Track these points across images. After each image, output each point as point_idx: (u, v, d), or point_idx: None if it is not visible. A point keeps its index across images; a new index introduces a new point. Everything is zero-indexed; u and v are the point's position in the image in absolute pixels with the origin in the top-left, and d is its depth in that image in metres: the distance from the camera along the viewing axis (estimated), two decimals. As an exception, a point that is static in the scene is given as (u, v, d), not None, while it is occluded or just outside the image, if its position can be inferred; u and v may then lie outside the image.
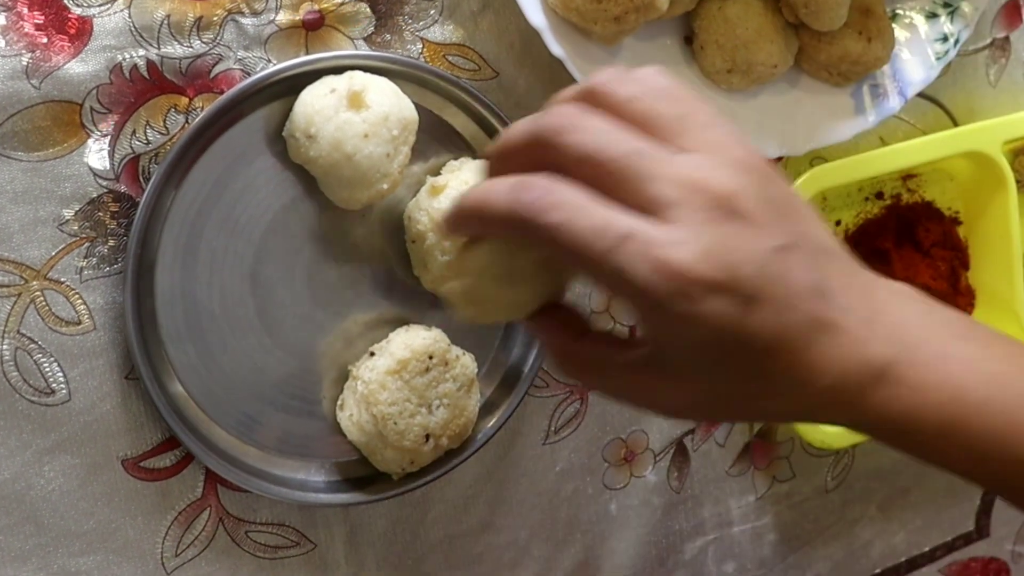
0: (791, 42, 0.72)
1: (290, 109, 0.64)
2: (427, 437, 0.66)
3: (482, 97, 0.67)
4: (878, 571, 0.92)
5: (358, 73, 0.63)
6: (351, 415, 0.66)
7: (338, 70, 0.64)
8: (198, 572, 0.66)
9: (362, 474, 0.69)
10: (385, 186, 0.64)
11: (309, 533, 0.68)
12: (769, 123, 0.73)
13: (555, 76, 0.70)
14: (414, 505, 0.71)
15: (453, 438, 0.67)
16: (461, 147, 0.69)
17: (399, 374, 0.65)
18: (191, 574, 0.65)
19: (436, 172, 0.68)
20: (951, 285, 0.87)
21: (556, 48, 0.66)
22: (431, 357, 0.66)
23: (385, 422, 0.64)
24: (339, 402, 0.67)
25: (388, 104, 0.63)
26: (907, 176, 0.84)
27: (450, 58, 0.68)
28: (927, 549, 0.94)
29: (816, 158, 0.80)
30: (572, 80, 0.70)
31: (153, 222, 0.62)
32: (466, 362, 0.67)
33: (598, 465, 0.77)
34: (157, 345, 0.63)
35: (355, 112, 0.62)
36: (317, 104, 0.61)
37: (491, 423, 0.70)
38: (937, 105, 0.85)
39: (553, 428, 0.75)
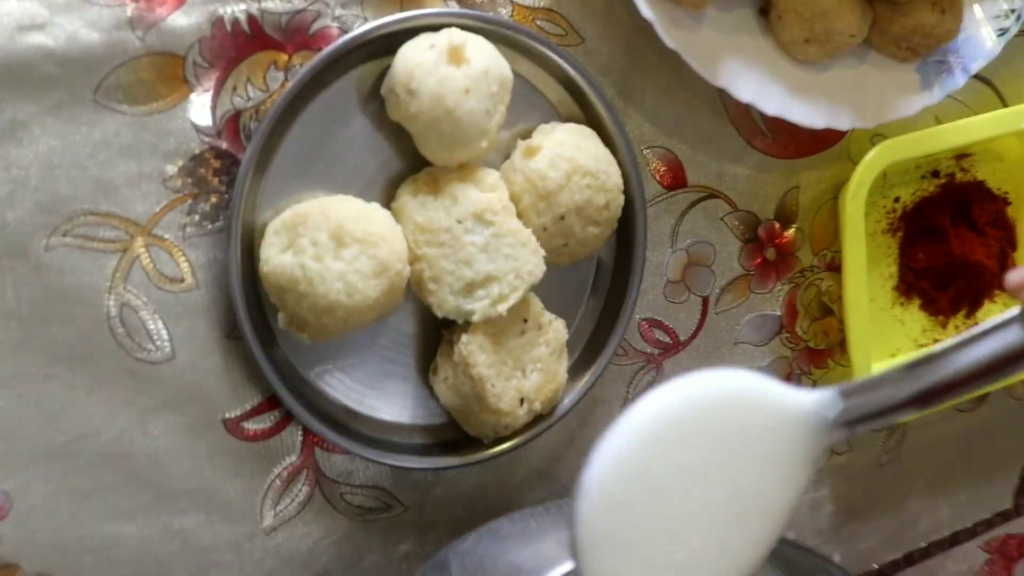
0: (867, 13, 0.73)
1: (384, 69, 0.64)
2: (521, 401, 0.66)
3: (573, 61, 0.67)
4: (923, 544, 0.93)
5: (456, 29, 0.63)
6: (446, 378, 0.66)
7: (434, 28, 0.64)
8: (294, 532, 0.65)
9: (452, 437, 0.68)
10: (484, 144, 0.63)
11: (401, 495, 0.68)
12: (841, 96, 0.74)
13: (638, 44, 0.70)
14: (500, 470, 0.71)
15: (545, 403, 0.67)
16: (549, 112, 0.69)
17: (496, 336, 0.64)
18: (288, 534, 0.65)
19: (524, 136, 0.68)
20: (1000, 265, 0.88)
21: (646, 11, 0.67)
22: (526, 320, 0.66)
23: (483, 384, 0.64)
24: (432, 366, 0.67)
25: (487, 60, 0.63)
26: (960, 156, 0.85)
27: (538, 21, 0.68)
28: (969, 525, 0.95)
29: (875, 135, 0.81)
30: (653, 49, 0.70)
31: (254, 180, 0.61)
32: (558, 327, 0.67)
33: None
34: (259, 305, 0.62)
35: (455, 67, 0.61)
36: (418, 58, 0.61)
37: (576, 388, 0.70)
38: (988, 85, 0.86)
39: (631, 395, 0.75)
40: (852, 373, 0.78)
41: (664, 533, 0.46)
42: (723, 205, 0.75)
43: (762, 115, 0.74)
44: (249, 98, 0.61)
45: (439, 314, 0.64)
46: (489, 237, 0.63)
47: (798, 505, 0.49)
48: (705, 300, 0.76)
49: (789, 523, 0.48)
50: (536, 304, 0.66)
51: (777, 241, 0.78)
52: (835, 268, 0.80)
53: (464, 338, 0.64)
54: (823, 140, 0.77)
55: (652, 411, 0.46)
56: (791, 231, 0.78)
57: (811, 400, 0.47)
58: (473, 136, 0.63)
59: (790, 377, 0.80)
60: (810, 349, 0.80)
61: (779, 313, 0.79)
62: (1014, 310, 0.44)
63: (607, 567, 0.45)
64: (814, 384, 0.81)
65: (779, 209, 0.77)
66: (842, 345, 0.81)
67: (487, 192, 0.63)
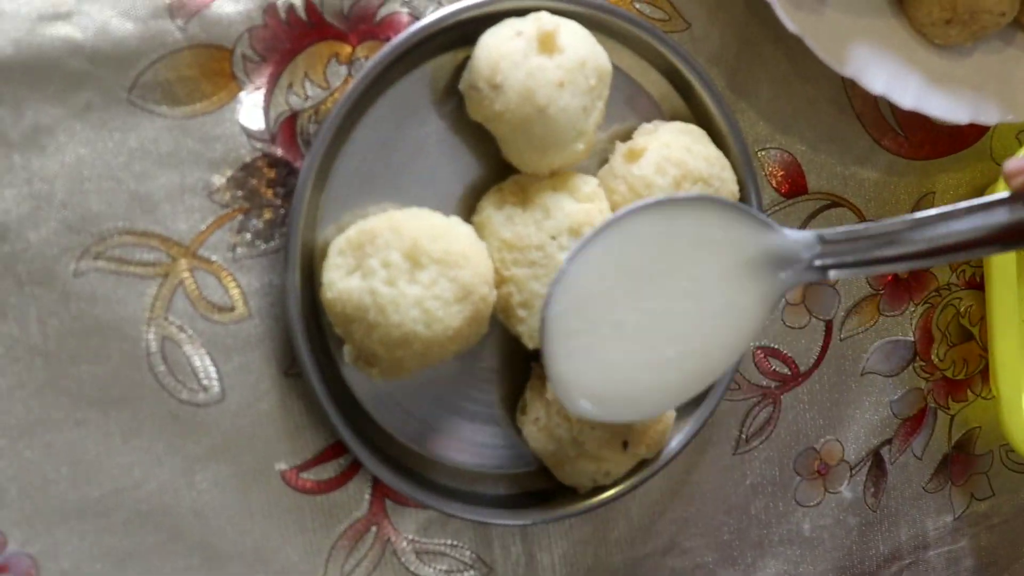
0: (1017, -12, 0.63)
1: (463, 62, 0.55)
2: (624, 444, 0.57)
3: (679, 49, 0.58)
4: (1072, 602, 0.82)
5: (546, 13, 0.54)
6: (537, 419, 0.57)
7: (520, 13, 0.55)
8: (364, 599, 0.56)
9: (541, 487, 0.59)
10: (580, 146, 0.55)
11: (484, 554, 0.59)
12: (988, 85, 0.64)
13: (752, 30, 0.62)
14: (596, 523, 0.62)
15: (651, 446, 0.58)
16: (650, 108, 0.60)
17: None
18: (357, 602, 0.56)
19: (623, 138, 0.59)
20: None
21: (765, -11, 0.57)
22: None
23: (582, 425, 0.55)
24: (520, 405, 0.58)
25: (584, 49, 0.54)
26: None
27: (637, 5, 0.59)
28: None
29: (1021, 131, 0.71)
30: (769, 35, 0.61)
31: (314, 193, 0.53)
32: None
33: (790, 479, 0.67)
34: (320, 336, 0.54)
35: (548, 57, 0.52)
36: (503, 48, 0.52)
37: (684, 429, 0.60)
38: None
39: (744, 436, 0.65)
40: (999, 408, 0.68)
41: (629, 331, 0.49)
42: (848, 214, 0.66)
43: (893, 109, 0.65)
44: (307, 97, 0.53)
45: (530, 345, 0.55)
46: None
47: (751, 341, 0.53)
48: (828, 324, 0.66)
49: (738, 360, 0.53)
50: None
51: (910, 255, 0.68)
52: (976, 286, 0.70)
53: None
54: (962, 138, 0.67)
55: (641, 216, 0.48)
56: (926, 243, 0.68)
57: (791, 235, 0.50)
58: (568, 138, 0.54)
59: (924, 412, 0.70)
60: (947, 379, 0.70)
61: (912, 338, 0.69)
62: (1004, 193, 0.48)
63: (569, 350, 0.48)
64: (951, 419, 0.71)
65: (912, 218, 0.67)
66: (984, 374, 0.71)
67: (584, 203, 0.55)
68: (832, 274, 0.51)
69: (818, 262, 0.51)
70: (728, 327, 0.51)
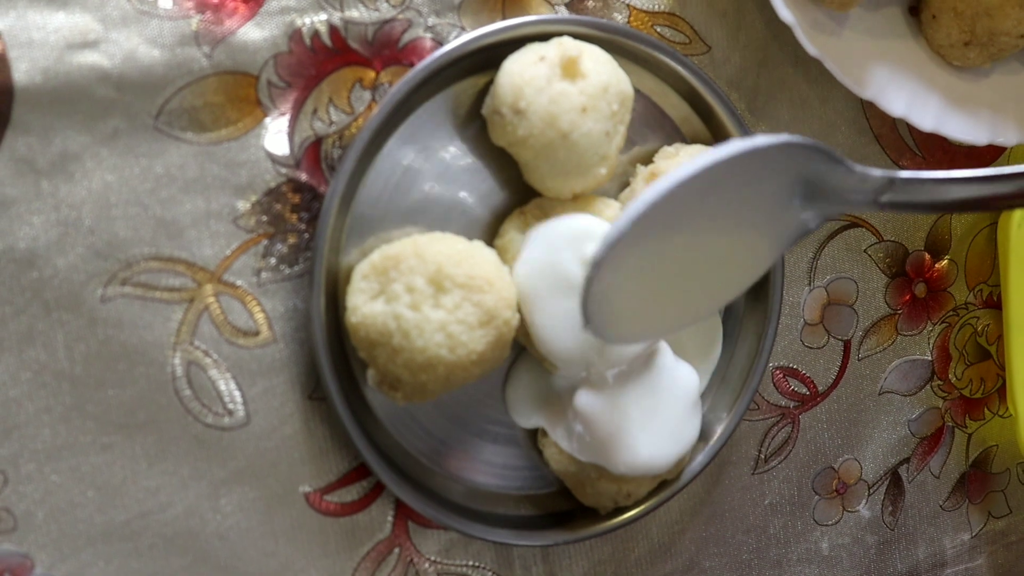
0: (1035, 9, 0.63)
1: (486, 87, 0.55)
2: (646, 465, 0.57)
3: (699, 72, 0.58)
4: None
5: (569, 38, 0.54)
6: (558, 441, 0.57)
7: (542, 38, 0.55)
8: (388, 620, 0.56)
9: (562, 508, 0.59)
10: (603, 171, 0.55)
11: (505, 575, 0.59)
12: (1007, 106, 0.64)
13: (771, 54, 0.62)
14: (616, 543, 0.62)
15: (674, 466, 0.58)
16: (670, 131, 0.60)
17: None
18: (381, 623, 0.56)
19: (644, 161, 0.59)
20: None
21: (785, 13, 0.57)
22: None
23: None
24: (541, 427, 0.58)
25: (607, 74, 0.54)
26: None
27: (658, 28, 0.59)
28: None
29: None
30: (789, 57, 0.62)
31: (339, 217, 0.53)
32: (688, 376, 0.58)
33: (808, 498, 0.67)
34: (344, 360, 0.54)
35: (571, 82, 0.53)
36: (526, 73, 0.53)
37: (706, 448, 0.61)
38: None
39: (763, 456, 0.65)
40: (1017, 426, 0.68)
41: (659, 276, 0.48)
42: (867, 235, 0.66)
43: (911, 130, 0.65)
44: (332, 122, 0.53)
45: (551, 369, 0.55)
46: None
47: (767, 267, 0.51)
48: (847, 344, 0.66)
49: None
50: (665, 352, 0.57)
51: (928, 275, 0.68)
52: (994, 305, 0.70)
53: (582, 395, 0.55)
54: (980, 158, 0.67)
55: (678, 180, 0.45)
56: (943, 263, 0.68)
57: (860, 170, 0.48)
58: (591, 162, 0.54)
59: (942, 430, 0.70)
60: (965, 398, 0.70)
61: (930, 358, 0.69)
62: None
63: (610, 295, 0.47)
64: (968, 437, 0.71)
65: (930, 238, 0.67)
66: (1001, 392, 0.71)
67: (606, 226, 0.54)
68: (897, 210, 0.50)
69: (885, 198, 0.48)
70: (753, 252, 0.50)
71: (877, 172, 0.48)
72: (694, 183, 0.44)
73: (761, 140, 0.46)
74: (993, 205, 0.49)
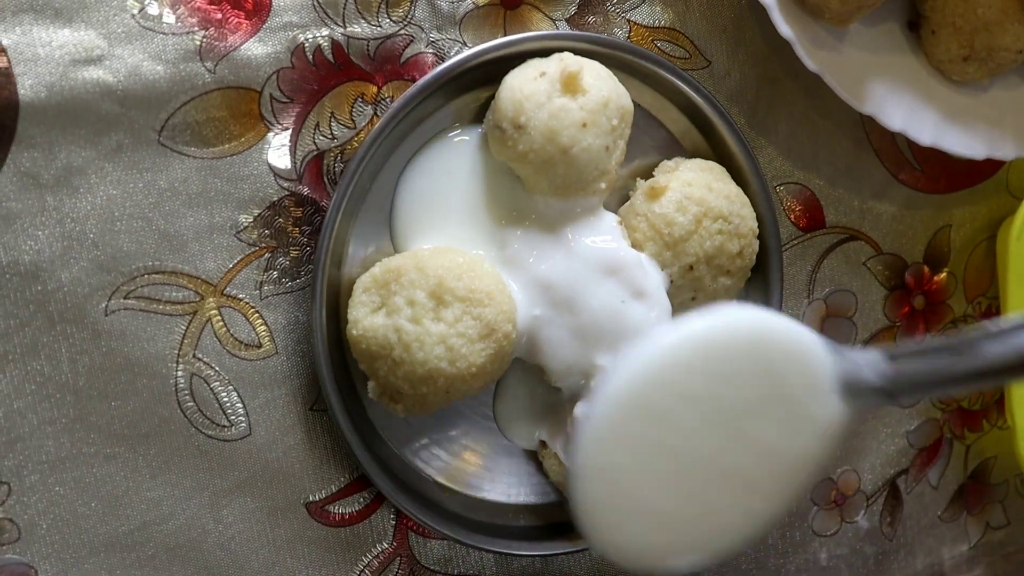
0: (1033, 25, 0.64)
1: (486, 102, 0.56)
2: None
3: (701, 87, 0.58)
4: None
5: (569, 54, 0.55)
6: (558, 452, 0.57)
7: (543, 53, 0.55)
8: (388, 632, 0.57)
9: (563, 519, 0.60)
10: (603, 185, 0.55)
11: (507, 588, 0.59)
12: (1005, 120, 0.65)
13: (771, 68, 0.62)
14: (616, 556, 0.62)
15: (671, 477, 0.58)
16: (670, 146, 0.60)
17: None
18: (381, 635, 0.57)
19: (645, 174, 0.59)
20: None
21: (785, 28, 0.58)
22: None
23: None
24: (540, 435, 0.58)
25: (607, 89, 0.54)
26: None
27: (659, 43, 0.60)
28: None
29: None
30: (788, 72, 0.62)
31: (340, 231, 0.54)
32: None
33: (806, 508, 0.68)
34: (345, 373, 0.54)
35: (571, 98, 0.53)
36: (526, 89, 0.53)
37: (704, 460, 0.61)
38: None
39: (762, 466, 0.65)
40: (1015, 437, 0.68)
41: (666, 477, 0.43)
42: (866, 248, 0.66)
43: (910, 144, 0.65)
44: (334, 137, 0.54)
45: (552, 381, 0.55)
46: None
47: (813, 480, 0.44)
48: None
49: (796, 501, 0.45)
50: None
51: (927, 287, 0.68)
52: (993, 317, 0.70)
53: (582, 407, 0.55)
54: (978, 172, 0.68)
55: (674, 342, 0.42)
56: (942, 275, 0.68)
57: (855, 356, 0.44)
58: (591, 177, 0.54)
59: (940, 442, 0.70)
60: (963, 410, 0.71)
61: (929, 369, 0.69)
62: None
63: (602, 502, 0.43)
64: (967, 449, 0.72)
65: (929, 251, 0.68)
66: (1000, 404, 0.71)
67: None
68: (901, 400, 0.44)
69: (887, 384, 0.44)
70: (785, 463, 0.44)
71: (868, 353, 0.44)
72: (684, 355, 0.41)
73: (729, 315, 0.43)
74: (1005, 376, 0.43)
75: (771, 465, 0.44)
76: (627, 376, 0.42)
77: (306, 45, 0.53)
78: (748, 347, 0.43)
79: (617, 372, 0.42)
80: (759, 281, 0.61)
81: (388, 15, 0.55)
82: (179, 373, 0.52)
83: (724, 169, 0.59)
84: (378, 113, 0.55)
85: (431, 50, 0.56)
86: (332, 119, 0.54)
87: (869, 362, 0.44)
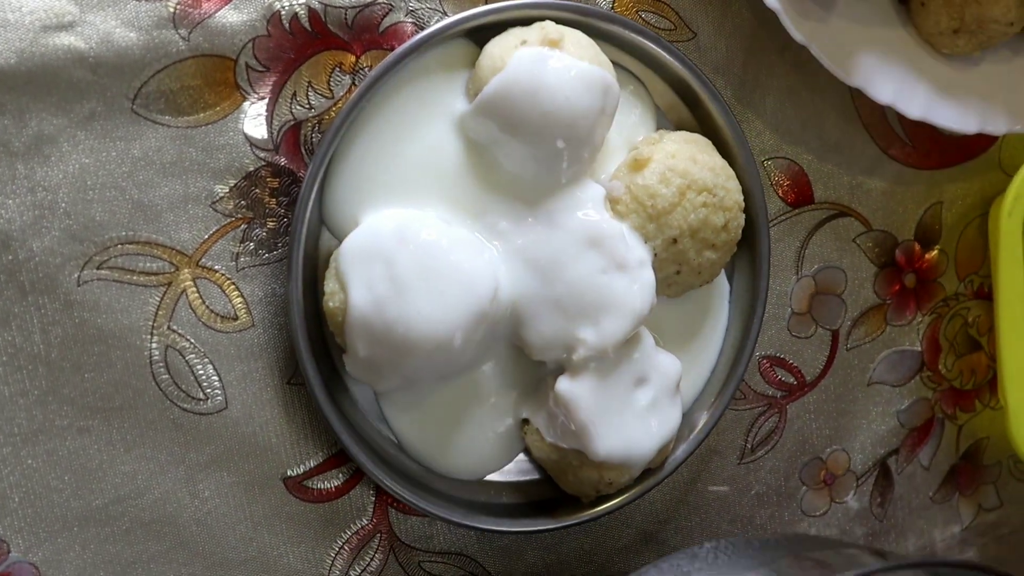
0: (1025, -4, 0.63)
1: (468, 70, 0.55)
2: (627, 453, 0.56)
3: (685, 59, 0.57)
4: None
5: (551, 23, 0.54)
6: (540, 427, 0.56)
7: (524, 22, 0.55)
8: (367, 609, 0.56)
9: (546, 497, 0.59)
10: (585, 155, 0.54)
11: (488, 563, 0.59)
12: (996, 95, 0.64)
13: (758, 41, 0.61)
14: (601, 533, 0.62)
15: (655, 455, 0.57)
16: (656, 118, 0.59)
17: (600, 378, 0.55)
18: (359, 611, 0.56)
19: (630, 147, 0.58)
20: None
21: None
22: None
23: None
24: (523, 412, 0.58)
25: (589, 58, 0.53)
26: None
27: (643, 14, 0.59)
28: None
29: (1029, 139, 0.70)
30: (775, 44, 0.61)
31: (317, 202, 0.53)
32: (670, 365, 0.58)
33: (795, 488, 0.67)
34: (323, 346, 0.53)
35: (552, 67, 0.52)
36: (507, 57, 0.52)
37: (690, 438, 0.60)
38: None
39: (750, 446, 0.65)
40: (1007, 418, 0.67)
41: None
42: (855, 224, 0.65)
43: (900, 119, 0.64)
44: (311, 106, 0.53)
45: (534, 355, 0.54)
46: None
47: None
48: (835, 334, 0.66)
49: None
50: (647, 340, 0.56)
51: (917, 265, 0.67)
52: (985, 296, 0.69)
53: (563, 381, 0.54)
54: (970, 147, 0.67)
55: None
56: (933, 253, 0.68)
57: None
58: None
59: (931, 422, 0.70)
60: (955, 389, 0.70)
61: (919, 348, 0.68)
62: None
63: None
64: (959, 429, 0.71)
65: (920, 228, 0.67)
66: (992, 384, 0.70)
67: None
68: None
69: None
70: None
71: None
72: None
73: None
74: None
75: None
76: None
77: (282, 13, 0.52)
78: None
79: None
80: (746, 256, 0.60)
81: (367, -17, 0.54)
82: (153, 345, 0.51)
83: (709, 142, 0.58)
84: (356, 83, 0.54)
85: (410, 19, 0.55)
86: (309, 88, 0.53)
87: None
